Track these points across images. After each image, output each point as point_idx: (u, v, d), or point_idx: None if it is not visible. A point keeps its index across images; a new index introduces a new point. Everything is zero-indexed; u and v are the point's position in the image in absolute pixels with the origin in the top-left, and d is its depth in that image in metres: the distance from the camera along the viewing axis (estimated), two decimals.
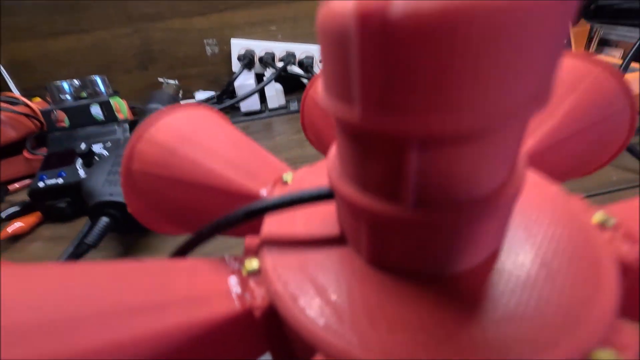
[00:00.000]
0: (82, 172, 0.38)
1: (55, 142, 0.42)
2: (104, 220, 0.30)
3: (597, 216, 0.09)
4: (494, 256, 0.09)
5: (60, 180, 0.38)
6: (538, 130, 0.13)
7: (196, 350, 0.09)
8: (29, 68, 0.61)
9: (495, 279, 0.08)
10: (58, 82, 0.42)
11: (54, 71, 0.62)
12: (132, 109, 0.54)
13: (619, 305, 0.07)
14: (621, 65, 0.37)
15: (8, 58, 0.60)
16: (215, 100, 0.66)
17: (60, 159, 0.40)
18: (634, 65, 0.47)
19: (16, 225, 0.37)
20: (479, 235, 0.08)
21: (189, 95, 0.68)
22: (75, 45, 0.62)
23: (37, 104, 0.49)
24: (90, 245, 0.29)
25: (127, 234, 0.34)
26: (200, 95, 0.67)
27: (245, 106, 0.61)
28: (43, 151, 0.44)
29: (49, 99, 0.48)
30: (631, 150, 0.36)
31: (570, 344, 0.07)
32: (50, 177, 0.38)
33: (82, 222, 0.37)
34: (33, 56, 0.61)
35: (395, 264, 0.09)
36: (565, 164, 0.15)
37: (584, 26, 0.50)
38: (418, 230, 0.08)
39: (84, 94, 0.44)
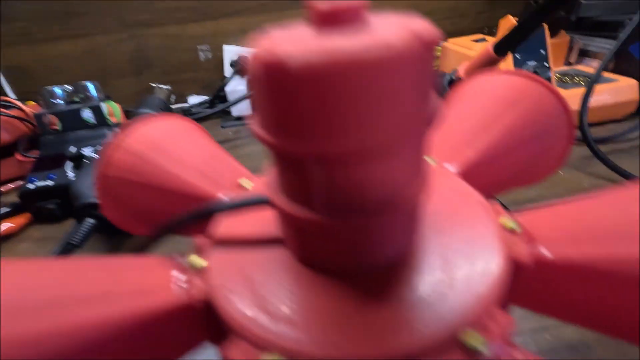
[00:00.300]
0: (71, 175, 0.40)
1: (46, 145, 0.43)
2: (89, 221, 0.31)
3: (508, 222, 0.11)
4: (407, 254, 0.10)
5: (50, 183, 0.39)
6: (478, 143, 0.15)
7: (141, 336, 0.10)
8: (25, 73, 0.63)
9: (404, 274, 0.09)
10: (50, 87, 0.43)
11: (50, 76, 0.64)
12: (126, 112, 0.55)
13: (502, 297, 0.09)
14: (594, 75, 0.39)
15: (5, 63, 0.61)
16: (207, 104, 0.67)
17: (51, 162, 0.41)
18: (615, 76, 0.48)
19: (6, 226, 0.38)
20: (386, 236, 0.09)
21: (182, 99, 0.69)
22: (70, 51, 0.63)
23: (31, 107, 0.50)
24: (75, 245, 0.30)
25: (113, 235, 0.35)
26: (193, 99, 0.69)
27: (236, 110, 0.62)
28: (35, 154, 0.45)
29: (42, 103, 0.49)
30: (602, 159, 0.37)
31: (441, 326, 0.08)
32: (40, 179, 0.39)
33: (71, 223, 0.38)
34: (29, 61, 0.62)
35: (319, 261, 0.10)
36: (509, 173, 0.16)
37: (564, 37, 0.52)
38: (331, 233, 0.09)
39: (77, 99, 0.45)
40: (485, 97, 0.16)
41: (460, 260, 0.10)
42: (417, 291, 0.09)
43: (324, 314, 0.09)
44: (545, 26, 0.44)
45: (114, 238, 0.35)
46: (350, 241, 0.09)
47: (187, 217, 0.11)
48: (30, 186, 0.39)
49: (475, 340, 0.08)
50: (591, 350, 0.24)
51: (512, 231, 0.11)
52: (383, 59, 0.06)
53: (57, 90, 0.44)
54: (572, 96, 0.45)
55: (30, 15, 0.60)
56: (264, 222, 0.12)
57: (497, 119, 0.15)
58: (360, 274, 0.10)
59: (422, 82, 0.07)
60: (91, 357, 0.09)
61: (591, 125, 0.47)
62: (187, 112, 0.66)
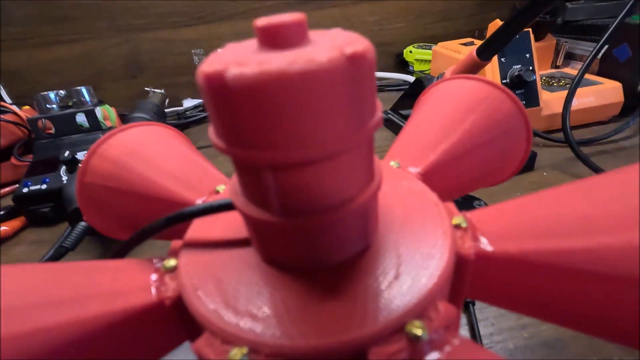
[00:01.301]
0: (65, 179, 0.40)
1: (41, 150, 0.44)
2: (82, 224, 0.32)
3: (455, 219, 0.11)
4: (364, 251, 0.11)
5: (43, 186, 0.40)
6: (440, 146, 0.16)
7: (118, 336, 0.11)
8: (21, 77, 0.63)
9: (359, 271, 0.10)
10: (45, 93, 0.44)
11: (44, 80, 0.65)
12: (121, 116, 0.56)
13: (444, 288, 0.09)
14: (575, 78, 0.39)
15: (0, 68, 0.62)
16: (202, 107, 0.68)
17: (45, 166, 0.42)
18: (598, 79, 0.49)
19: (0, 229, 0.38)
20: (340, 236, 0.10)
21: (177, 103, 0.70)
22: (65, 55, 0.64)
23: (25, 111, 0.51)
24: (68, 248, 0.31)
25: (106, 238, 0.36)
26: (188, 103, 0.70)
27: None
28: (30, 158, 0.46)
29: (37, 108, 0.50)
30: (584, 160, 0.38)
31: (388, 318, 0.09)
32: (34, 184, 0.40)
33: (65, 227, 0.39)
34: (24, 66, 0.63)
35: (280, 260, 0.11)
36: (471, 174, 0.17)
37: (551, 40, 0.53)
38: (288, 233, 0.10)
39: (70, 104, 0.46)
40: (448, 102, 0.17)
41: (409, 257, 0.10)
42: (369, 286, 0.10)
43: (284, 309, 0.10)
44: (530, 30, 0.45)
45: (106, 241, 0.36)
46: (306, 240, 0.10)
47: (158, 222, 0.12)
48: (24, 190, 0.39)
49: (417, 329, 0.09)
50: (566, 347, 0.24)
51: (460, 228, 0.11)
52: (306, 72, 0.07)
53: (51, 95, 0.45)
54: (558, 99, 0.45)
55: (26, 20, 0.61)
56: (235, 224, 0.13)
57: (457, 123, 0.16)
58: (319, 270, 0.10)
59: (356, 92, 0.08)
60: (67, 358, 0.10)
61: (577, 127, 0.48)
62: (181, 116, 0.67)
